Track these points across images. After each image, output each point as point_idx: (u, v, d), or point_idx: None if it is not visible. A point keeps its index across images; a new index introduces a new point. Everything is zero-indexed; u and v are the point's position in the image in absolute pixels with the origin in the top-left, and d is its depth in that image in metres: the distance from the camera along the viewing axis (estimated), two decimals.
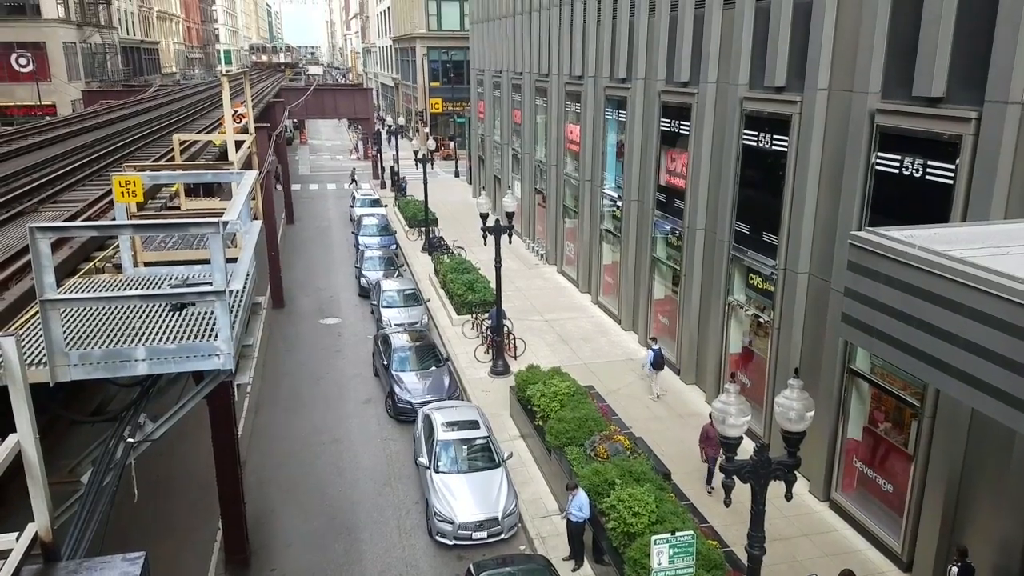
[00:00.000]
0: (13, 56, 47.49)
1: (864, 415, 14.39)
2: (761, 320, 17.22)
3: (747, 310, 17.76)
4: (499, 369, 21.28)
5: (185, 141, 18.04)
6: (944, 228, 8.57)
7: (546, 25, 29.97)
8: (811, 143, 14.72)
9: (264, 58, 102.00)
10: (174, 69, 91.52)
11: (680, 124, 19.94)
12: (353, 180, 52.62)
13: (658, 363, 19.52)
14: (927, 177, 12.14)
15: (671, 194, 20.80)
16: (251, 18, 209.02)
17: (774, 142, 15.93)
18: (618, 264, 24.74)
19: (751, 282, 17.39)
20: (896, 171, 12.77)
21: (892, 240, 7.61)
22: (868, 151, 13.32)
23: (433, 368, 20.51)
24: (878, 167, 13.17)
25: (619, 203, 24.31)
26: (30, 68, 47.86)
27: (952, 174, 11.69)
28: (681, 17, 19.25)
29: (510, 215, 21.41)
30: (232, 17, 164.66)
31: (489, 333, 22.54)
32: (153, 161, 16.89)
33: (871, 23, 12.95)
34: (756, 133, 16.53)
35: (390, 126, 66.98)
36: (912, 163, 12.46)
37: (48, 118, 39.64)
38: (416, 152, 36.30)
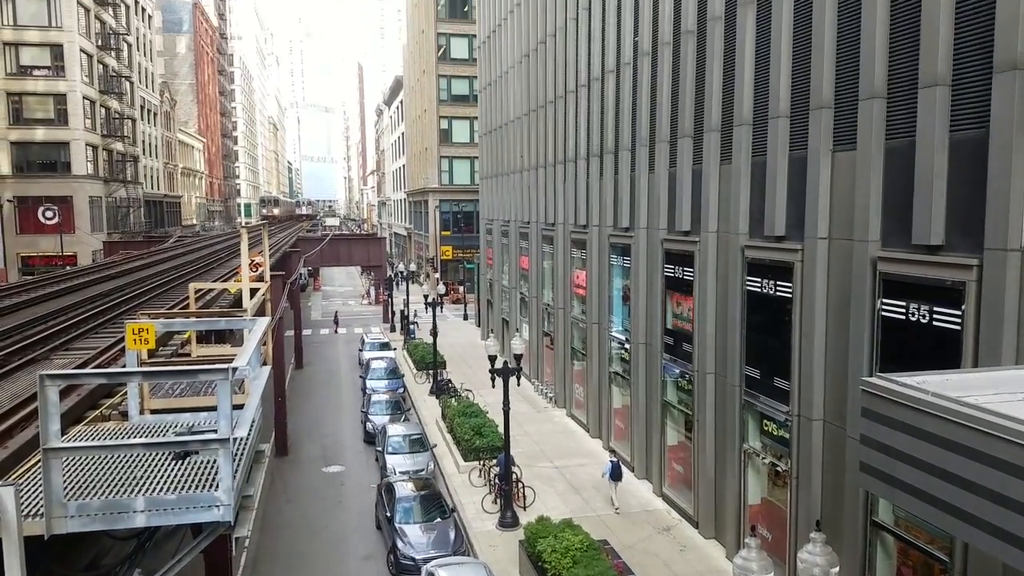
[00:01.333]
0: (40, 209, 49.72)
1: (891, 571, 13.64)
2: (779, 469, 16.73)
3: (764, 458, 17.30)
4: (507, 521, 20.50)
5: (200, 289, 18.48)
6: (956, 374, 8.50)
7: (551, 179, 31.37)
8: (815, 290, 14.92)
9: (276, 211, 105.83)
10: (194, 221, 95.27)
11: (684, 270, 20.35)
12: (336, 323, 56.31)
13: (616, 474, 20.93)
14: (934, 323, 12.19)
15: (679, 337, 20.88)
16: (272, 174, 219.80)
17: (778, 288, 16.15)
18: (629, 408, 24.43)
19: (766, 428, 17.05)
20: (903, 317, 12.84)
21: (904, 386, 7.52)
22: (873, 298, 13.46)
23: (438, 520, 19.76)
24: (884, 313, 13.25)
25: (627, 346, 24.37)
26: (55, 220, 49.94)
27: (959, 320, 11.73)
28: (680, 172, 20.13)
29: (518, 357, 21.40)
30: (254, 173, 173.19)
31: (497, 481, 21.91)
32: (168, 309, 17.21)
33: (866, 176, 13.47)
34: (760, 280, 16.81)
35: (402, 272, 68.65)
36: (918, 309, 12.55)
37: (68, 268, 40.89)
38: (426, 296, 36.94)
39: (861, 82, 13.48)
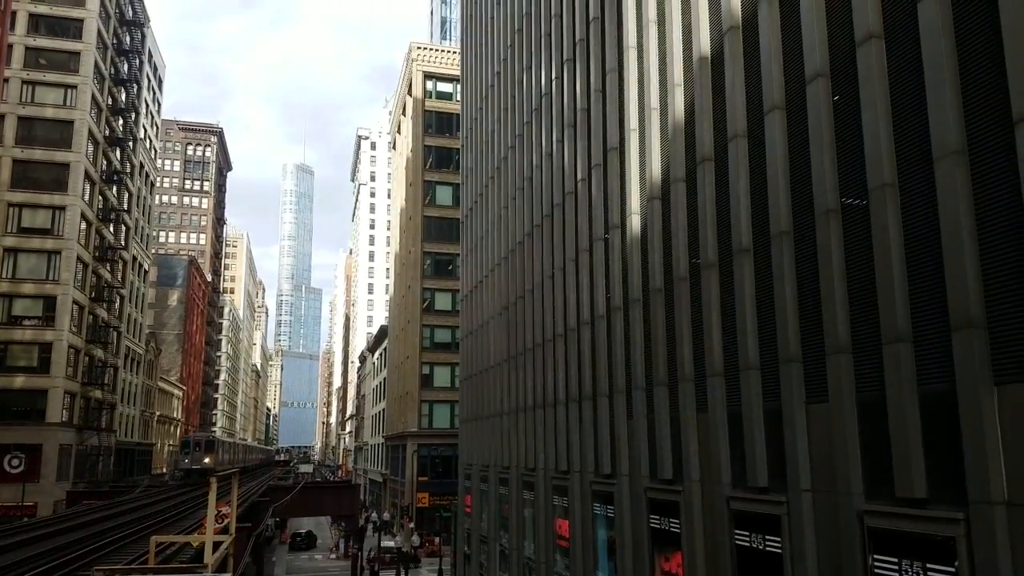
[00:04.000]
0: (7, 458, 48.29)
1: None
2: None
3: None
4: None
5: (162, 543, 17.53)
6: None
7: (531, 423, 31.41)
8: (804, 543, 14.45)
9: (207, 460, 59.84)
10: (164, 470, 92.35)
11: (670, 521, 19.73)
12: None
13: None
14: None
15: None
16: (249, 420, 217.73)
17: (767, 543, 15.63)
18: None
19: None
20: (896, 573, 12.36)
21: None
22: (864, 553, 13.02)
23: None
24: (878, 570, 12.75)
25: None
26: (20, 469, 48.30)
27: None
28: (658, 420, 20.33)
29: None
30: (231, 420, 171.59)
31: None
32: (126, 563, 16.20)
33: (841, 429, 13.60)
34: (748, 533, 16.30)
35: (375, 522, 65.62)
36: (911, 565, 12.11)
37: (26, 519, 38.79)
38: (400, 548, 34.96)
39: (826, 337, 14.13)
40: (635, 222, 22.53)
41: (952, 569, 11.36)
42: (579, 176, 27.37)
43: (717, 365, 17.59)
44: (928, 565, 11.78)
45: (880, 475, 12.96)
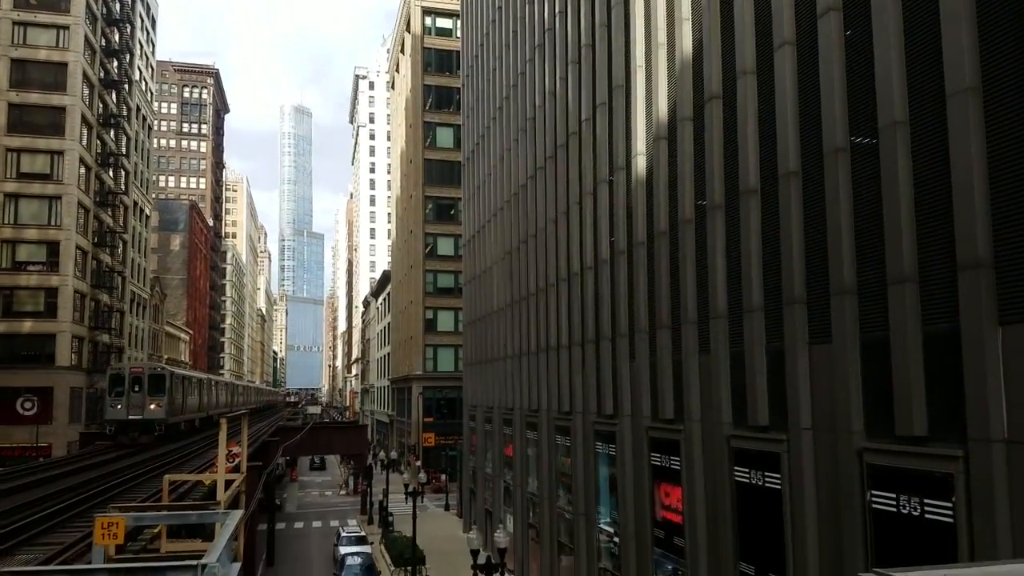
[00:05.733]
0: (20, 400, 49.05)
1: None
2: None
3: None
4: None
5: (175, 481, 17.94)
6: (954, 569, 8.20)
7: (535, 366, 31.73)
8: (803, 481, 14.73)
9: (154, 407, 43.94)
10: None
11: (671, 459, 20.10)
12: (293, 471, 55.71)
13: None
14: (927, 516, 11.98)
15: (670, 530, 20.17)
16: (256, 364, 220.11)
17: (767, 480, 15.94)
18: None
19: None
20: (894, 509, 12.63)
21: None
22: (863, 489, 13.28)
23: None
24: (876, 506, 13.03)
25: (616, 539, 23.41)
26: (33, 411, 49.12)
27: (951, 512, 11.55)
28: (660, 362, 20.51)
29: (502, 552, 20.46)
30: (239, 363, 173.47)
31: None
32: (140, 501, 16.61)
33: (843, 369, 13.76)
34: (748, 470, 16.62)
35: (383, 460, 67.00)
36: (909, 501, 12.37)
37: (42, 459, 39.63)
38: (407, 485, 35.82)
39: (831, 278, 14.16)
40: (640, 163, 22.30)
41: (949, 504, 11.60)
42: (583, 116, 26.97)
43: (721, 307, 17.66)
44: (926, 500, 12.03)
45: (881, 414, 13.14)
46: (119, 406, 38.82)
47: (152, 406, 39.03)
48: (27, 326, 53.95)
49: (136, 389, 39.29)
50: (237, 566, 10.09)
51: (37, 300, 54.69)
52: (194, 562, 6.78)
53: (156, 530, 13.11)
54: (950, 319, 11.84)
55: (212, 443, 36.15)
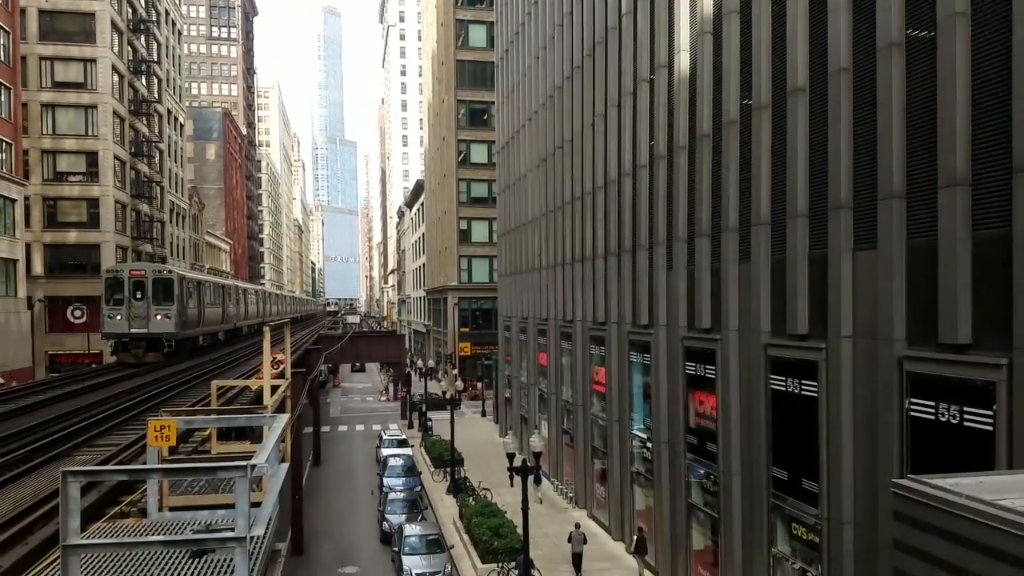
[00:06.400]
0: (69, 309, 50.73)
1: None
2: (810, 574, 16.02)
3: (793, 563, 16.61)
4: None
5: (222, 387, 18.53)
6: (990, 476, 8.24)
7: (569, 277, 31.71)
8: (841, 389, 14.71)
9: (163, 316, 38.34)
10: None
11: (706, 368, 20.18)
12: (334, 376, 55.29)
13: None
14: (966, 423, 11.92)
15: (703, 437, 20.48)
16: (296, 274, 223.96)
17: (803, 387, 15.95)
18: (652, 510, 23.71)
19: (795, 532, 16.46)
20: (932, 417, 12.58)
21: (937, 489, 7.30)
22: (901, 397, 13.23)
23: None
24: (913, 413, 13.00)
25: (649, 445, 23.90)
26: (83, 320, 50.84)
27: (991, 420, 11.47)
28: (699, 271, 20.29)
29: (537, 455, 21.03)
30: (278, 274, 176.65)
31: None
32: (190, 406, 17.25)
33: (888, 275, 13.49)
34: (784, 378, 16.62)
35: (420, 368, 68.70)
36: (948, 409, 12.30)
37: (94, 366, 41.28)
38: (444, 392, 36.75)
39: (880, 182, 13.70)
40: (683, 60, 21.41)
41: (990, 412, 11.50)
42: (623, 9, 25.73)
43: (763, 214, 17.26)
44: (966, 408, 11.94)
45: (924, 321, 12.93)
46: (118, 317, 32.68)
47: (158, 317, 32.98)
48: (72, 236, 55.23)
49: (138, 296, 33.09)
50: (285, 466, 10.49)
51: (80, 210, 55.74)
52: (244, 463, 7.01)
53: (206, 433, 13.65)
54: (1002, 224, 11.44)
55: (242, 358, 37.22)
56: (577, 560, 24.05)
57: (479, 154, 70.39)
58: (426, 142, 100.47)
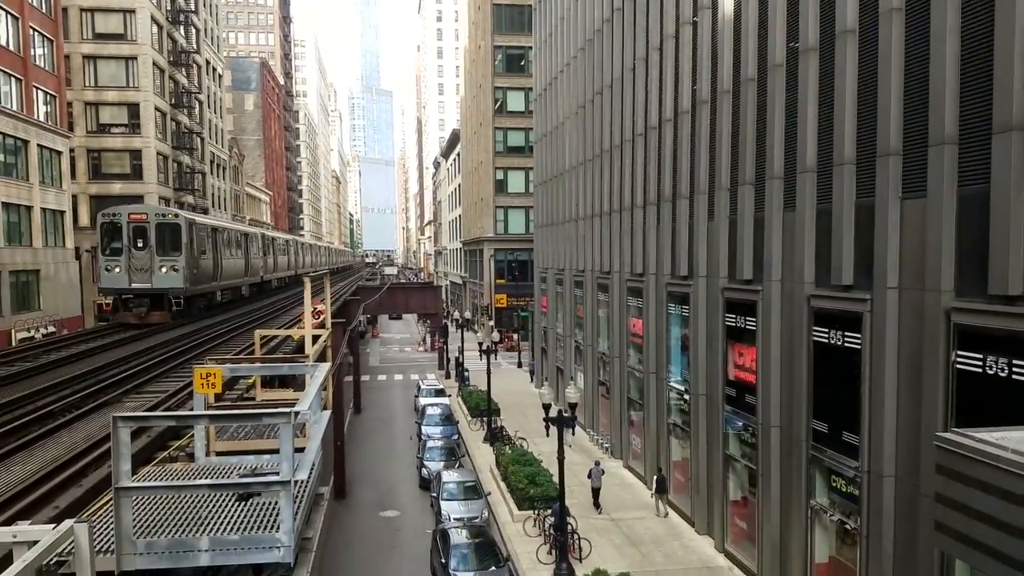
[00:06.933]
0: None
1: None
2: (848, 527, 16.00)
3: (832, 515, 16.59)
4: (563, 573, 20.01)
5: (265, 336, 18.88)
6: None
7: (607, 228, 31.39)
8: (885, 341, 14.43)
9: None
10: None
11: (746, 320, 19.95)
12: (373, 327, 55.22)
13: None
14: (1014, 376, 11.62)
15: (741, 389, 20.37)
16: (334, 225, 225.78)
17: (846, 339, 15.68)
18: (688, 461, 23.81)
19: (834, 484, 16.39)
20: (979, 370, 12.29)
21: (982, 443, 7.16)
22: (947, 349, 12.94)
23: (493, 568, 19.52)
24: (959, 366, 12.71)
25: (686, 397, 23.87)
26: None
27: None
28: (741, 220, 19.90)
29: (573, 406, 21.17)
30: (317, 225, 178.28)
31: (552, 531, 21.51)
32: (234, 355, 17.64)
33: (937, 224, 13.08)
34: (827, 330, 16.35)
35: (457, 319, 69.25)
36: (996, 362, 12.00)
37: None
38: (480, 344, 37.06)
39: (931, 128, 13.20)
40: (727, 1, 20.66)
41: None
42: None
43: (810, 161, 16.78)
44: (1015, 362, 11.63)
45: (973, 272, 12.56)
46: (116, 269, 28.31)
47: (163, 270, 28.56)
48: (116, 188, 56.25)
49: (139, 245, 28.56)
50: (327, 414, 10.69)
51: (123, 162, 56.63)
52: (287, 410, 7.15)
53: (251, 380, 13.96)
54: None
55: (299, 300, 37.77)
56: (596, 494, 25.35)
57: (516, 102, 69.39)
58: (462, 90, 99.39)
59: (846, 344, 15.66)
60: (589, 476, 25.42)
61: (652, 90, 26.32)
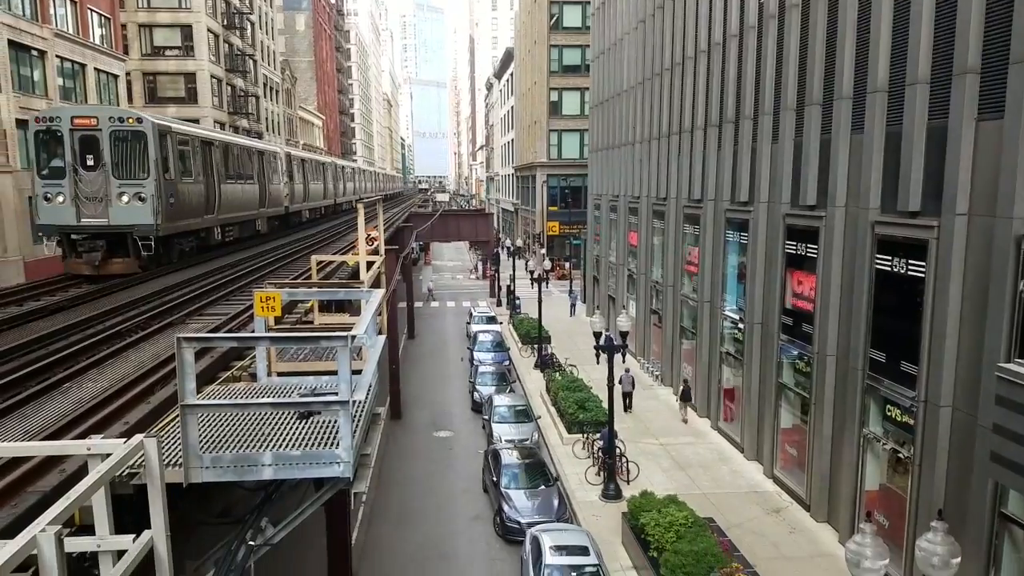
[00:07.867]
0: None
1: (1019, 566, 12.70)
2: (900, 456, 15.87)
3: (884, 444, 16.45)
4: (611, 493, 20.48)
5: (321, 262, 19.22)
6: None
7: (664, 151, 30.61)
8: (951, 269, 13.92)
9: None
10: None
11: (807, 247, 19.44)
12: (430, 295, 58.21)
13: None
14: None
15: (798, 318, 20.03)
16: (386, 150, 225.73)
17: (910, 268, 15.18)
18: (740, 389, 23.75)
19: (888, 414, 16.18)
20: None
21: None
22: (1015, 278, 12.42)
23: (542, 487, 20.08)
24: None
25: (741, 326, 23.63)
26: None
27: None
28: (806, 143, 19.15)
29: (624, 334, 21.15)
30: (369, 150, 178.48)
31: (600, 454, 21.93)
32: (292, 279, 18.04)
33: (1014, 148, 12.38)
34: (890, 258, 15.84)
35: (509, 247, 69.34)
36: None
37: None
38: (532, 272, 37.15)
39: (1013, 44, 12.33)
40: None
41: None
42: None
43: (881, 80, 15.94)
44: None
45: None
46: (60, 198, 20.03)
47: (124, 199, 20.33)
48: (171, 112, 56.93)
49: (90, 164, 20.15)
50: (382, 338, 10.92)
51: (178, 85, 57.20)
52: (345, 333, 7.32)
53: (309, 305, 14.30)
54: None
55: (353, 227, 38.17)
56: (627, 399, 27.47)
57: (572, 17, 66.94)
58: (516, 5, 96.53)
59: (909, 272, 15.17)
60: (619, 382, 26.07)
61: (716, 3, 25.12)
